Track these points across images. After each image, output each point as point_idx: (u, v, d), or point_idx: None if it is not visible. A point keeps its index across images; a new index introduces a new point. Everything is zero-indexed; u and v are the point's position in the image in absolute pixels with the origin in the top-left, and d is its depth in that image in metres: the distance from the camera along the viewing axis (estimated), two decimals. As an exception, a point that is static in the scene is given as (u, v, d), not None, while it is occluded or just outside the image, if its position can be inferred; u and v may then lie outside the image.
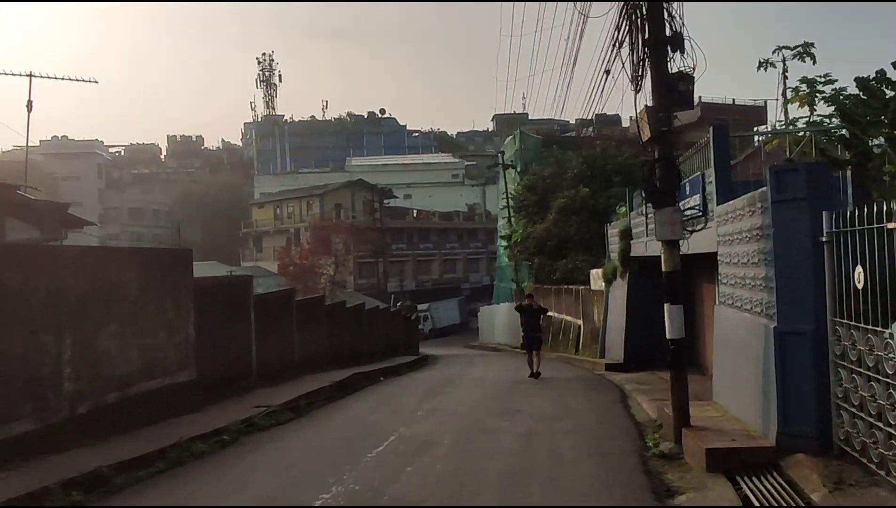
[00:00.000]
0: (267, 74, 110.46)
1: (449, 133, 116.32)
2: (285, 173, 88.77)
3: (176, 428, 9.44)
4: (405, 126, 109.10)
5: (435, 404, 12.83)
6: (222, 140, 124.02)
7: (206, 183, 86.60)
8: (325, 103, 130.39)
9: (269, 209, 69.06)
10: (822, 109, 15.74)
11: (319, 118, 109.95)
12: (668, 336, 8.76)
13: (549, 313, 23.49)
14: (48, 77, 23.61)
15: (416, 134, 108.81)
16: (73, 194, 62.89)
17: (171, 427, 9.52)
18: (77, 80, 24.35)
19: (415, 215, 71.85)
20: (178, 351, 10.84)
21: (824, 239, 6.55)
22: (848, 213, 6.14)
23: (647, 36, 8.73)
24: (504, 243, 41.92)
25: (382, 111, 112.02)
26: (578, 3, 10.39)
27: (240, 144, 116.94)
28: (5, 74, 22.43)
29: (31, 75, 22.59)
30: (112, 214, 73.38)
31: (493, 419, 10.98)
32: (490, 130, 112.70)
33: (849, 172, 8.45)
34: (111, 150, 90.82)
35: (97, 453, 7.91)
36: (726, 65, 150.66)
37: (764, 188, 7.62)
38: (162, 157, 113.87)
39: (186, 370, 11.00)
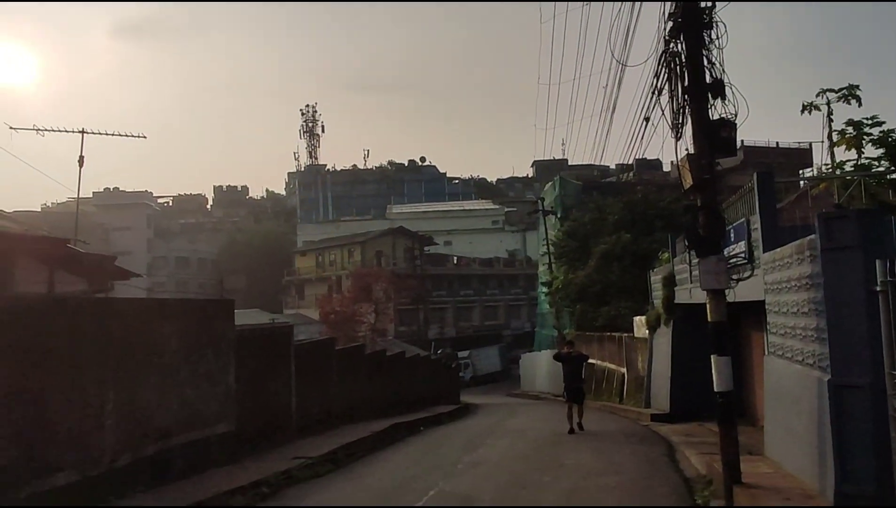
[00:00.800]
0: (310, 124, 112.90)
1: (488, 180, 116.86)
2: (327, 222, 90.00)
3: (214, 481, 9.40)
4: (445, 173, 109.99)
5: (476, 456, 12.59)
6: (266, 190, 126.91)
7: (250, 232, 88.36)
8: (366, 152, 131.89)
9: (312, 257, 69.85)
10: (870, 151, 15.31)
11: (361, 167, 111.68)
12: (716, 389, 8.48)
13: (591, 361, 23.06)
14: (99, 133, 24.78)
15: (456, 181, 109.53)
16: (123, 243, 64.90)
17: (210, 480, 9.47)
18: (127, 135, 25.45)
19: (455, 261, 71.86)
20: (219, 402, 10.84)
21: (878, 288, 6.27)
22: (903, 261, 5.89)
23: (686, 84, 8.65)
24: (545, 289, 41.59)
25: (423, 159, 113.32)
26: (616, 52, 10.40)
27: (283, 193, 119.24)
28: (59, 130, 23.41)
29: (83, 132, 23.62)
30: (159, 262, 75.25)
31: (535, 474, 10.69)
32: (530, 176, 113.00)
33: (901, 218, 8.15)
34: (160, 200, 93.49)
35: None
36: (769, 107, 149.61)
37: (813, 236, 7.40)
38: (208, 206, 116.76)
39: (226, 421, 10.98)
